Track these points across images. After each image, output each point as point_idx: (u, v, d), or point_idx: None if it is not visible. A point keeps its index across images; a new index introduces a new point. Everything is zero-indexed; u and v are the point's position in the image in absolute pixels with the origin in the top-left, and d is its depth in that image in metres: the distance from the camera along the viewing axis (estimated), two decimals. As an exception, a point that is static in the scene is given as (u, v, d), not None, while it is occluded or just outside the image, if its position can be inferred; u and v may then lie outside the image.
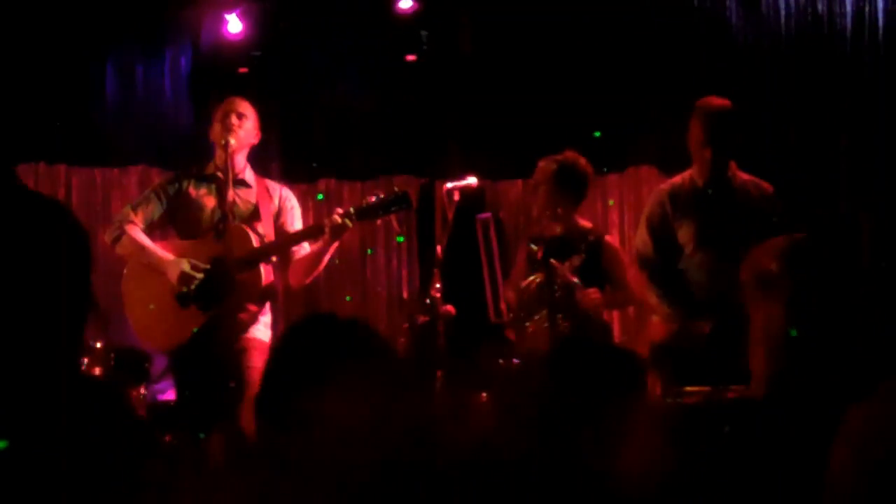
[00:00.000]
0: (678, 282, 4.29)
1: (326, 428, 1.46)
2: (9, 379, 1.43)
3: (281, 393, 1.76)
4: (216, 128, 4.31)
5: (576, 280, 4.47)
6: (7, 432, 1.39)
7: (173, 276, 4.13)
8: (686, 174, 4.37)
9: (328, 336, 1.83)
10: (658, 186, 4.58)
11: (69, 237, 1.51)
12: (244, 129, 4.29)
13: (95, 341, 4.79)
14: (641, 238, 4.41)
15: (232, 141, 4.20)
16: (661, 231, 4.33)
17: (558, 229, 4.62)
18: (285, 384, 1.77)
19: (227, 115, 4.29)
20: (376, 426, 1.32)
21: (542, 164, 4.65)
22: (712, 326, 4.12)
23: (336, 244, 4.14)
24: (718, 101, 4.25)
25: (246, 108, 4.35)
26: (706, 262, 4.22)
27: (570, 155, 4.62)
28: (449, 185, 4.47)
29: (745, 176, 4.34)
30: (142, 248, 4.24)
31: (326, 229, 4.08)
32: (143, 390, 4.92)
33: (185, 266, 4.14)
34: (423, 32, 6.27)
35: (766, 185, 4.34)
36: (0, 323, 1.43)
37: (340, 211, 4.10)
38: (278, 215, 4.36)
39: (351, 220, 4.06)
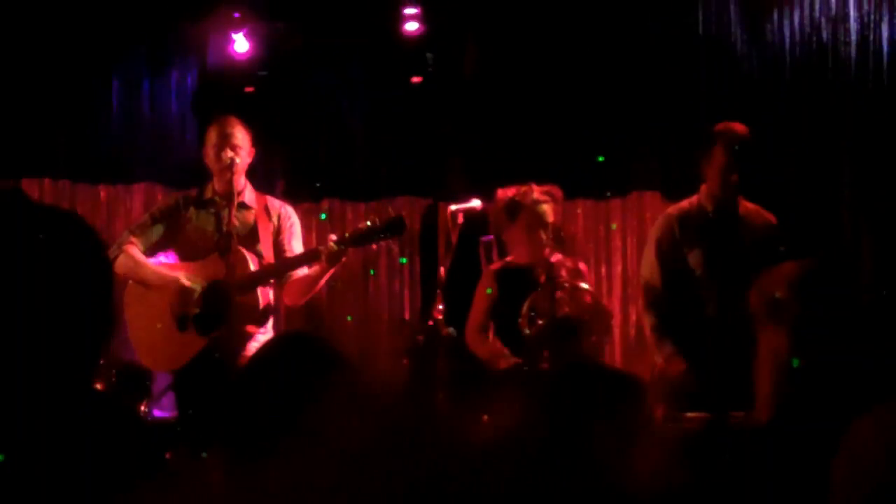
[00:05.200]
0: (676, 313, 4.26)
1: (320, 447, 1.45)
2: (24, 392, 1.42)
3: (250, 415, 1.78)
4: (210, 153, 4.26)
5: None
6: (15, 442, 1.38)
7: (173, 290, 4.14)
8: (694, 199, 4.33)
9: (294, 357, 1.84)
10: (665, 211, 4.52)
11: (92, 251, 1.50)
12: (240, 157, 4.23)
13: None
14: (648, 263, 4.36)
15: (237, 161, 4.20)
16: (669, 256, 4.29)
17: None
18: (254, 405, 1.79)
19: (221, 148, 4.22)
20: (370, 446, 1.31)
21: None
22: (687, 367, 4.11)
23: (332, 271, 4.13)
24: (741, 127, 4.22)
25: (237, 133, 4.25)
26: (712, 289, 4.20)
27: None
28: (453, 207, 4.47)
29: (749, 205, 4.32)
30: (140, 266, 4.24)
31: (322, 256, 4.07)
32: (143, 407, 4.91)
33: (183, 280, 4.15)
34: (429, 55, 6.29)
35: (769, 216, 4.33)
36: (22, 337, 1.42)
37: (335, 237, 4.08)
38: (277, 233, 4.35)
39: (346, 245, 4.05)
